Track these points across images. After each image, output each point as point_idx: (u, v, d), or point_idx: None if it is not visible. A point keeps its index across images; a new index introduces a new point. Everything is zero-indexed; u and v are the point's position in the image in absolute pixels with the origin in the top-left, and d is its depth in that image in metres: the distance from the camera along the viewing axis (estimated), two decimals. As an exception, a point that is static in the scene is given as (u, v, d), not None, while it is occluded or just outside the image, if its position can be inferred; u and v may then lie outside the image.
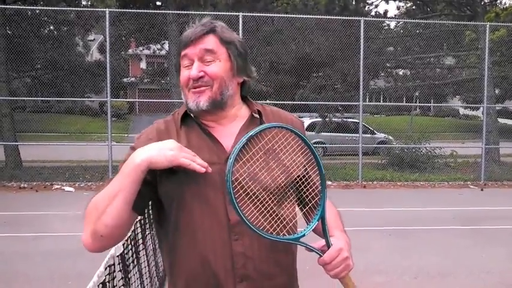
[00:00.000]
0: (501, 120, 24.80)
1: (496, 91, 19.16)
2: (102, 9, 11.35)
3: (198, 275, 1.40)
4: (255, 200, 1.36)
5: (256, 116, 1.50)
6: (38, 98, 14.99)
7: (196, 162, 1.34)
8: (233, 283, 1.38)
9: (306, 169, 1.47)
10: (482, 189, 11.63)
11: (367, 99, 19.72)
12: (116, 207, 1.33)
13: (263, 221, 1.34)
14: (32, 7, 12.83)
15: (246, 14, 12.04)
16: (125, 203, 1.34)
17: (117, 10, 12.49)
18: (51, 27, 14.93)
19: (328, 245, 1.37)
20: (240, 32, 11.50)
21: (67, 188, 10.74)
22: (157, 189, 1.42)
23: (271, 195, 1.39)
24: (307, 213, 1.49)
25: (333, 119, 16.87)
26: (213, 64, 1.43)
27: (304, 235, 1.37)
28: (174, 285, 1.47)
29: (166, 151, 1.33)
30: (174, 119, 1.52)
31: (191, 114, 1.48)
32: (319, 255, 1.36)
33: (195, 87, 1.43)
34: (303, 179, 1.45)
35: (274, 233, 1.34)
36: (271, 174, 1.40)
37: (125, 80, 30.37)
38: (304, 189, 1.45)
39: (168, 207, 1.44)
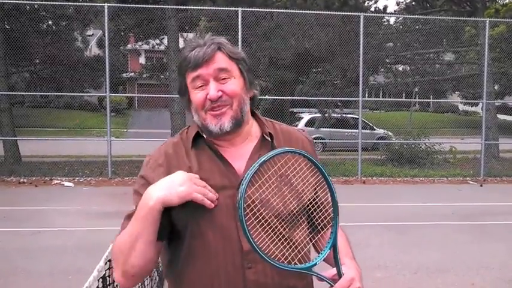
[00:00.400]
0: (500, 116, 24.80)
1: (496, 87, 19.18)
2: (100, 4, 11.33)
3: None
4: (267, 228, 1.34)
5: (268, 138, 1.47)
6: (37, 93, 14.97)
7: (207, 197, 1.32)
8: None
9: (318, 194, 1.45)
10: (481, 185, 11.64)
11: (367, 95, 19.71)
12: (140, 250, 1.33)
13: (274, 249, 1.32)
14: (30, 1, 12.77)
15: (245, 9, 12.01)
16: (147, 244, 1.34)
17: (115, 5, 12.46)
18: (50, 22, 14.85)
19: (339, 275, 1.33)
20: (239, 27, 11.47)
21: (66, 183, 10.74)
22: (171, 214, 1.38)
23: (282, 222, 1.37)
24: (318, 240, 1.46)
25: (333, 115, 16.86)
26: (229, 82, 1.41)
27: (315, 264, 1.34)
28: None
29: (177, 188, 1.30)
30: (183, 140, 1.48)
31: (203, 135, 1.45)
32: (331, 285, 1.33)
33: (214, 109, 1.39)
34: (315, 205, 1.43)
35: (285, 262, 1.31)
36: (284, 201, 1.38)
37: (124, 75, 30.31)
38: (316, 215, 1.43)
39: (181, 233, 1.41)
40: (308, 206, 1.43)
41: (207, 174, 1.38)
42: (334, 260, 1.35)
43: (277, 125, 1.55)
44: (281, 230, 1.36)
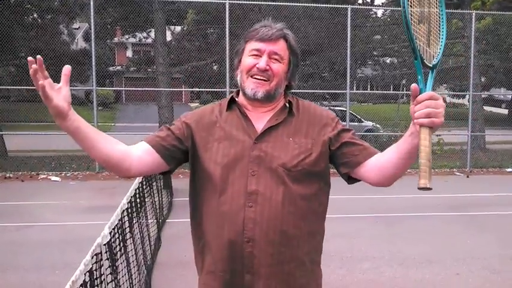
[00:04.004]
0: (487, 108, 25.02)
1: (482, 79, 19.33)
2: (86, -3, 11.20)
3: (219, 229, 1.65)
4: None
5: (287, 105, 1.75)
6: (23, 87, 14.74)
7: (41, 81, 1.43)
8: (242, 242, 1.62)
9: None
10: (468, 176, 11.76)
11: (355, 88, 19.80)
12: (93, 156, 1.62)
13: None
14: (15, -6, 12.62)
15: (233, 1, 11.97)
16: (94, 151, 1.59)
17: (102, -2, 12.33)
18: (35, 15, 14.68)
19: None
20: (227, 20, 11.42)
21: (53, 178, 10.66)
22: (200, 161, 1.71)
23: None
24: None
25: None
26: (278, 64, 1.69)
27: (424, 59, 1.47)
28: (199, 239, 1.74)
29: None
30: (221, 104, 1.79)
31: (236, 100, 1.76)
32: (421, 87, 1.45)
33: (256, 76, 1.67)
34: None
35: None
36: None
37: (110, 68, 30.04)
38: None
39: (205, 172, 1.69)
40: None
41: (231, 128, 1.70)
42: (428, 80, 1.48)
43: (300, 101, 1.82)
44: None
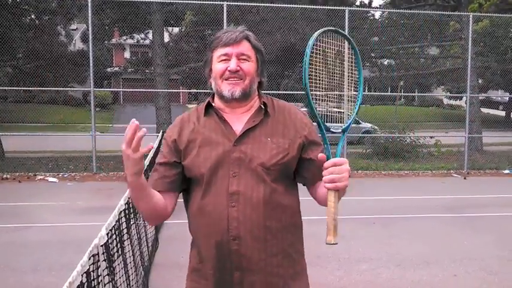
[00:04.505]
0: (484, 110, 25.08)
1: (479, 81, 19.38)
2: (84, -2, 11.19)
3: (206, 228, 1.76)
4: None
5: (263, 107, 1.84)
6: (20, 88, 14.73)
7: (137, 147, 1.56)
8: (228, 240, 1.71)
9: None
10: (465, 178, 11.78)
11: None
12: (148, 208, 1.77)
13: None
14: (12, -5, 12.60)
15: (231, 3, 11.97)
16: (146, 203, 1.75)
17: (99, -1, 12.33)
18: (33, 16, 14.66)
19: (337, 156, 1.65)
20: (225, 21, 11.43)
21: (50, 179, 10.64)
22: (184, 170, 1.82)
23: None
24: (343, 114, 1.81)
25: (318, 109, 16.89)
26: (247, 63, 1.79)
27: (329, 129, 1.72)
28: (194, 243, 1.87)
29: (126, 163, 1.60)
30: (197, 110, 1.89)
31: (213, 104, 1.84)
32: (328, 152, 1.63)
33: (230, 78, 1.77)
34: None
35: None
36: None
37: (108, 69, 30.05)
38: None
39: (192, 180, 1.82)
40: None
41: (210, 133, 1.79)
42: (338, 143, 1.69)
43: (275, 101, 1.90)
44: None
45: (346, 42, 1.81)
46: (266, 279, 1.76)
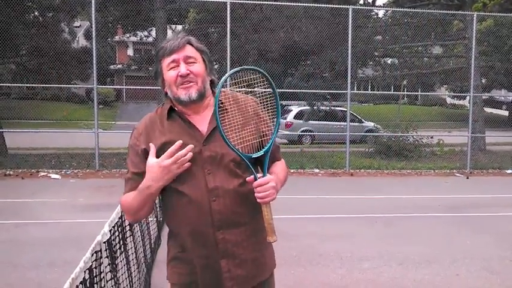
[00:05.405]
0: (487, 110, 25.01)
1: (483, 80, 19.32)
2: (88, -5, 11.19)
3: (192, 222, 1.89)
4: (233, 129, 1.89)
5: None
6: (23, 84, 14.73)
7: (182, 164, 1.83)
8: (213, 231, 1.88)
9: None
10: (467, 177, 11.75)
11: (355, 88, 19.77)
12: (145, 210, 1.95)
13: (236, 138, 1.87)
14: (16, -8, 12.57)
15: (234, 1, 11.96)
16: (150, 206, 1.96)
17: (103, -4, 12.32)
18: (36, 13, 14.65)
19: (264, 175, 1.85)
20: (228, 19, 11.41)
21: (53, 176, 10.66)
22: None
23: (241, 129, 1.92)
24: (259, 144, 1.94)
25: (321, 108, 16.89)
26: (195, 65, 1.91)
27: (251, 157, 1.86)
28: (175, 236, 2.02)
29: (164, 177, 1.84)
30: (158, 114, 1.98)
31: (175, 108, 1.94)
32: (255, 176, 1.82)
33: (184, 83, 1.87)
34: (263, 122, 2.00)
35: (240, 149, 1.84)
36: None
37: (111, 67, 30.11)
38: (263, 128, 1.98)
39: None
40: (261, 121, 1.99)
41: (177, 136, 1.87)
42: (263, 162, 1.89)
43: (227, 94, 1.99)
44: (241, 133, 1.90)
45: (259, 75, 1.91)
46: (250, 257, 1.95)
